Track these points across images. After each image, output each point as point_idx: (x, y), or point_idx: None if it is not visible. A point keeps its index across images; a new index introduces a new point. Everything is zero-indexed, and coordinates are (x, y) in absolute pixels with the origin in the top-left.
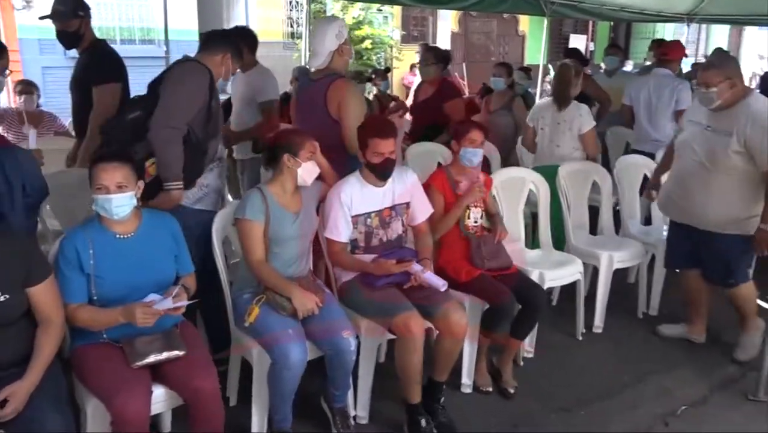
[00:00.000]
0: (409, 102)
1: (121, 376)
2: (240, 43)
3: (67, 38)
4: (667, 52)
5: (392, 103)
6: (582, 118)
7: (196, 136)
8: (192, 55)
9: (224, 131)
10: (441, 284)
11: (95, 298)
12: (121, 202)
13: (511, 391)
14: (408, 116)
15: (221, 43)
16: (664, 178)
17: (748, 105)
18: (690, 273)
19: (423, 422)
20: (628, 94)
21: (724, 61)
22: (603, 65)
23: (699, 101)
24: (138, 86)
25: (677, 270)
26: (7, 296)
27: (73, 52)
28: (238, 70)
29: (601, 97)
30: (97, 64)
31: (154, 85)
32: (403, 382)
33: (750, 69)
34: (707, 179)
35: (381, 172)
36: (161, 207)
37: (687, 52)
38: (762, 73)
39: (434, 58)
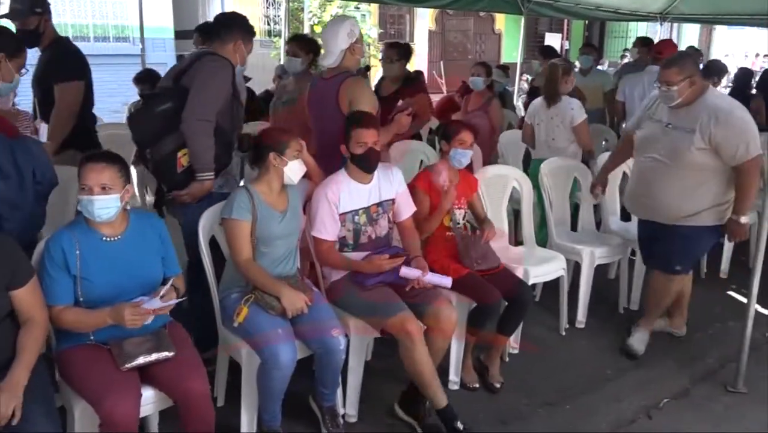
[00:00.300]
0: None
1: (109, 378)
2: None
3: (26, 36)
4: (661, 50)
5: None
6: (573, 111)
7: (223, 128)
8: (166, 52)
9: None
10: (447, 281)
11: (81, 300)
12: (103, 205)
13: (498, 386)
14: None
15: (230, 30)
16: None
17: (706, 101)
18: None
19: (460, 425)
20: (622, 90)
21: (683, 59)
22: (578, 64)
23: (661, 99)
24: (113, 84)
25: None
26: None
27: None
28: None
29: (575, 95)
30: (59, 61)
31: (177, 78)
32: (421, 386)
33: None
34: (669, 175)
35: (366, 164)
36: (193, 196)
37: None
38: (737, 71)
39: (398, 55)
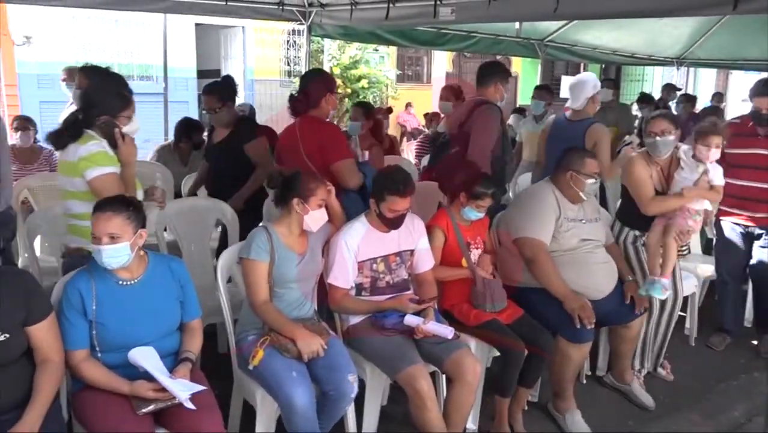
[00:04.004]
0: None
1: (122, 421)
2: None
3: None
4: None
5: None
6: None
7: (496, 155)
8: (188, 91)
9: None
10: (448, 332)
11: (95, 343)
12: (112, 254)
13: None
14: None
15: (490, 76)
16: None
17: None
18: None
19: None
20: None
21: None
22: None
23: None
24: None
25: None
26: (7, 336)
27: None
28: None
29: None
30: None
31: (461, 125)
32: None
33: (737, 112)
34: (605, 256)
35: (391, 225)
36: None
37: (677, 93)
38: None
39: (220, 102)
